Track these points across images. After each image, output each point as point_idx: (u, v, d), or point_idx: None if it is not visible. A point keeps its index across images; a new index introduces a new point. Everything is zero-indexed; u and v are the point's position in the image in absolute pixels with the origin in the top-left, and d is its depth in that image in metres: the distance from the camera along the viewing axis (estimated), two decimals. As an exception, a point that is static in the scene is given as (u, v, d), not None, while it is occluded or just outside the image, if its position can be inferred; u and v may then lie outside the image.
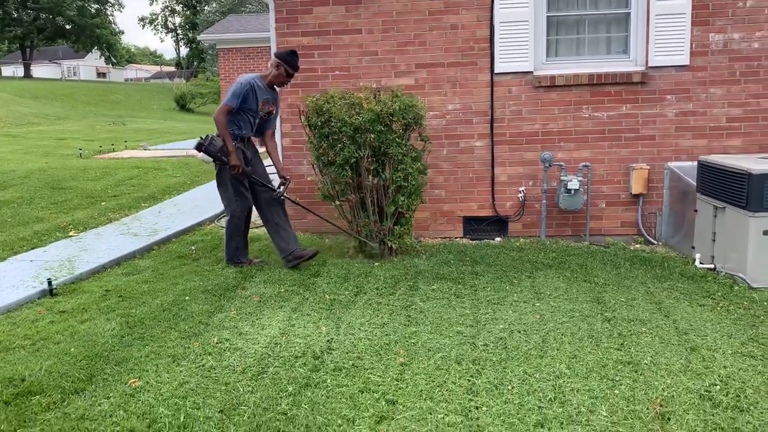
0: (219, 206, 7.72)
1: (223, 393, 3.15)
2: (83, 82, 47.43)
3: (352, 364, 3.46)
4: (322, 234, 6.61)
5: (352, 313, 4.22)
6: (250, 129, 5.36)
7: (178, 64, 72.82)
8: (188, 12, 62.81)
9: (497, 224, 6.63)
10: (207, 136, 5.18)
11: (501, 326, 4.01)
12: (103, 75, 63.78)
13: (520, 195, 6.49)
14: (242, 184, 5.31)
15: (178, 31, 69.22)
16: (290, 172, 6.69)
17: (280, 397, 3.09)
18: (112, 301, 4.53)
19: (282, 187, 5.46)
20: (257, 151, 5.60)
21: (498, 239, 6.55)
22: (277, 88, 5.53)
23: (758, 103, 6.11)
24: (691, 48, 6.09)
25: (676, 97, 6.18)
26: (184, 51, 69.81)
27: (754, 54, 6.05)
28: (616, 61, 6.34)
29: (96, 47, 55.35)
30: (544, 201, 6.38)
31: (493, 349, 3.67)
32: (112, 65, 63.65)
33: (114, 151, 14.91)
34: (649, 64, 6.16)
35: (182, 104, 37.15)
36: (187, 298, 4.57)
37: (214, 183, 9.72)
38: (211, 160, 5.13)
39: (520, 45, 6.26)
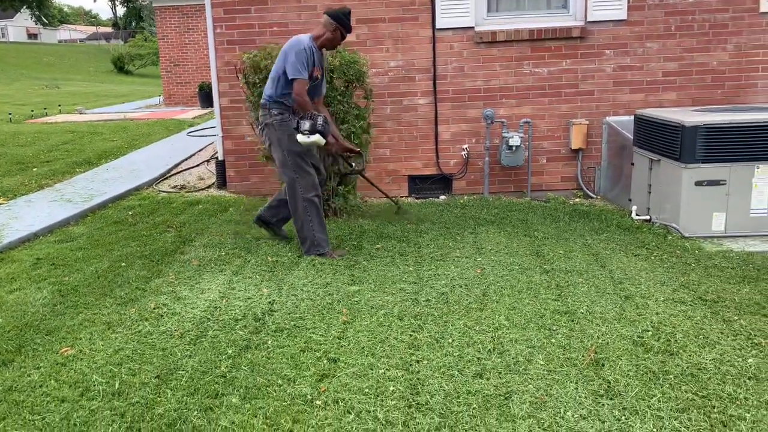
0: (157, 170, 7.52)
1: (160, 358, 3.08)
2: (12, 44, 45.00)
3: (294, 325, 3.43)
4: (263, 195, 6.50)
5: (294, 275, 4.18)
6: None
7: (115, 25, 69.77)
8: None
9: (442, 182, 6.65)
10: (312, 115, 4.27)
11: (443, 282, 4.04)
12: (34, 36, 60.65)
13: (463, 153, 6.50)
14: (306, 154, 4.51)
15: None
16: (230, 134, 6.53)
17: (219, 361, 3.05)
18: (43, 270, 4.36)
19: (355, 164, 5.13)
20: None
21: (443, 197, 6.57)
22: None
23: (692, 57, 6.23)
24: (629, 2, 6.14)
25: (614, 51, 6.25)
26: (121, 11, 66.87)
27: (689, 8, 6.14)
28: (556, 16, 6.35)
29: (25, 6, 52.37)
30: (486, 158, 6.41)
31: (435, 304, 3.70)
32: (43, 26, 60.50)
33: (47, 115, 14.26)
34: (588, 19, 6.19)
35: (120, 66, 35.73)
36: (123, 264, 4.43)
37: (153, 146, 9.52)
38: (324, 142, 4.34)
39: (460, 0, 6.18)
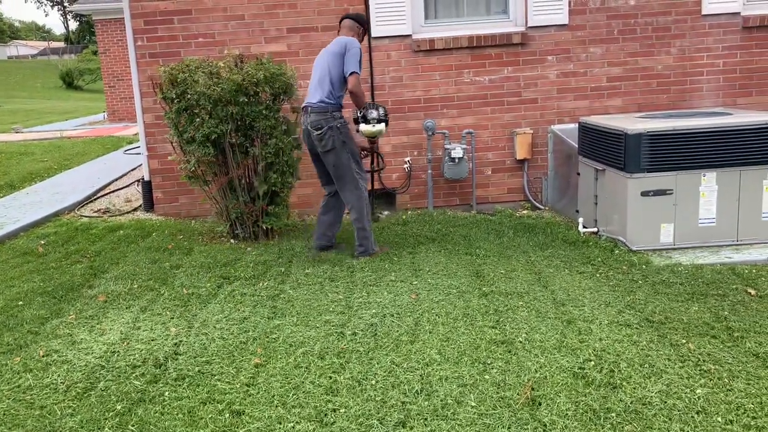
0: (83, 192, 7.04)
1: (36, 419, 2.67)
2: (-45, 61, 43.42)
3: (199, 371, 3.05)
4: (194, 217, 6.09)
5: (209, 309, 3.79)
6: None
7: (67, 39, 68.03)
8: (74, -18, 58.59)
9: (384, 197, 6.32)
10: (375, 105, 4.64)
11: (374, 310, 3.71)
12: (-19, 53, 58.68)
13: (406, 166, 6.20)
14: (359, 156, 4.83)
15: (65, 4, 64.46)
16: (155, 151, 6.11)
17: (104, 420, 2.65)
18: (-73, 313, 3.89)
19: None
20: None
21: (386, 213, 6.25)
22: None
23: (636, 61, 6.05)
24: (570, 6, 5.93)
25: (556, 57, 6.03)
26: (73, 25, 65.26)
27: (631, 11, 5.96)
28: (496, 22, 6.10)
29: (-30, 22, 50.68)
30: (429, 171, 6.12)
31: (362, 338, 3.36)
32: (-9, 42, 58.59)
33: (-21, 135, 13.54)
34: (529, 24, 5.96)
35: (69, 82, 34.63)
36: (20, 302, 3.99)
37: (84, 166, 8.98)
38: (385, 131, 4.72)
39: (396, 6, 5.90)
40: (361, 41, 4.75)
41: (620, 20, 5.97)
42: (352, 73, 4.47)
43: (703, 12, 5.94)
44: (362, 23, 4.79)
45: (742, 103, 6.11)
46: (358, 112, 4.59)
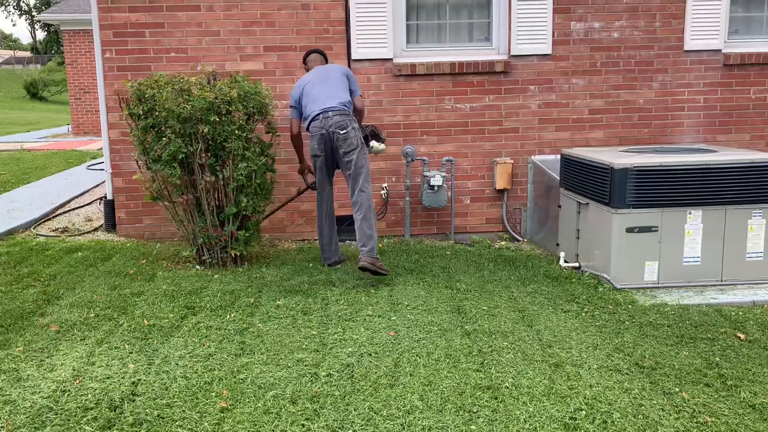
0: (40, 209, 6.68)
1: (-32, 473, 2.36)
2: None
3: (158, 415, 2.77)
4: (159, 240, 5.78)
5: (172, 343, 3.50)
6: None
7: (34, 49, 66.65)
8: (43, -9, 57.43)
9: (360, 223, 6.10)
10: (369, 127, 5.17)
11: (350, 349, 3.47)
12: (-57, 60, 57.04)
13: (383, 192, 6.00)
14: None
15: (33, 13, 63.21)
16: (120, 169, 5.81)
17: (48, 473, 2.35)
18: None
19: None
20: None
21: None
22: None
23: (618, 94, 5.99)
24: (554, 36, 5.86)
25: (539, 87, 5.93)
26: (41, 35, 63.93)
27: (614, 44, 5.91)
28: (478, 49, 5.99)
29: (-69, 28, 49.27)
30: (407, 198, 5.94)
31: (338, 380, 3.11)
32: (-48, 49, 57.04)
33: (-66, 144, 12.96)
34: (512, 53, 5.86)
35: (33, 92, 33.76)
36: (-38, 332, 3.64)
37: (44, 181, 8.56)
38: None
39: (378, 29, 5.75)
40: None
41: (603, 52, 5.92)
42: (360, 96, 5.03)
43: (686, 48, 5.92)
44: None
45: (721, 140, 6.09)
46: (370, 131, 5.08)
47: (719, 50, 5.96)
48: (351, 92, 4.94)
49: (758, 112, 6.10)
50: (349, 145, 4.70)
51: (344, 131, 4.70)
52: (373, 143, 5.03)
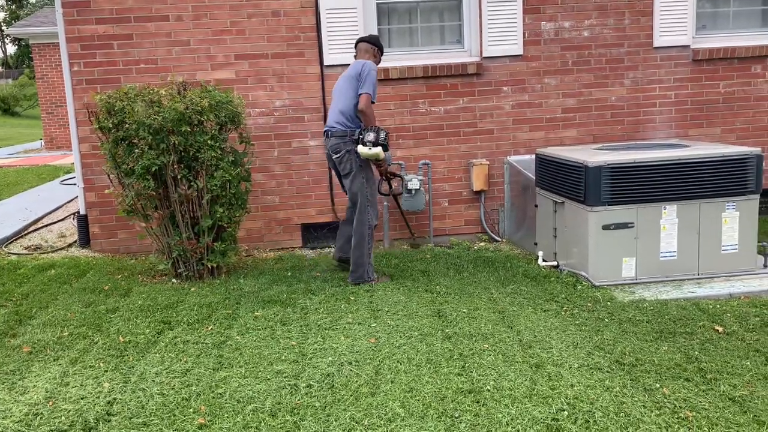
0: (12, 227, 6.56)
1: (-63, 504, 2.28)
2: None
3: (134, 434, 2.71)
4: (134, 254, 5.70)
5: (148, 360, 3.44)
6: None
7: (5, 64, 65.70)
8: (12, 5, 56.57)
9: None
10: (376, 128, 4.55)
11: (330, 358, 3.43)
12: None
13: (360, 197, 5.96)
14: (375, 183, 4.88)
15: (3, 27, 62.32)
16: (92, 183, 5.71)
17: (20, 501, 2.29)
18: None
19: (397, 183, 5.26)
20: None
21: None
22: None
23: (591, 92, 6.03)
24: (524, 37, 5.88)
25: (511, 88, 5.95)
26: (11, 49, 63.01)
27: (585, 42, 5.95)
28: (451, 52, 6.00)
29: None
30: (385, 203, 5.91)
31: (318, 391, 3.07)
32: None
33: None
34: (484, 55, 5.87)
35: (5, 108, 33.22)
36: (-70, 356, 3.54)
37: (15, 198, 8.37)
38: (383, 156, 4.65)
39: (349, 34, 5.72)
40: (377, 63, 4.85)
41: (574, 51, 5.95)
42: (362, 94, 4.53)
43: (655, 44, 5.97)
44: (376, 44, 4.85)
45: (693, 135, 6.15)
46: (358, 134, 4.58)
47: (688, 46, 6.03)
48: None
49: (728, 106, 6.18)
50: (344, 169, 4.69)
51: (337, 155, 4.67)
52: (359, 147, 4.59)
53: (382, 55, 4.95)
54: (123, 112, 4.49)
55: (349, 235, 4.90)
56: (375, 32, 5.86)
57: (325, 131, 4.79)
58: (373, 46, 4.83)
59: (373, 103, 4.60)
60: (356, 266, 4.71)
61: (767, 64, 6.14)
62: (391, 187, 5.18)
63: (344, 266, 5.00)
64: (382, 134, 4.54)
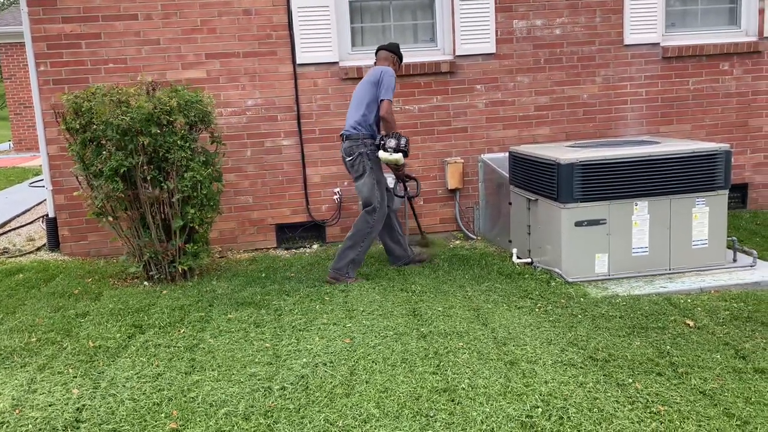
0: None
1: None
2: None
3: (103, 441, 2.66)
4: (104, 257, 5.61)
5: (118, 364, 3.38)
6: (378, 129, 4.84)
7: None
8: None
9: (314, 230, 6.05)
10: (397, 134, 4.65)
11: (304, 359, 3.40)
12: None
13: (335, 196, 5.95)
14: (385, 187, 4.91)
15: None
16: (61, 186, 5.61)
17: None
18: None
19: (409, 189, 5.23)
20: None
21: (315, 246, 5.96)
22: None
23: (563, 90, 6.07)
24: (497, 35, 5.90)
25: (485, 86, 5.97)
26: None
27: (557, 41, 5.99)
28: (424, 51, 5.99)
29: None
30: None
31: (292, 393, 3.05)
32: None
33: None
34: (457, 53, 5.88)
35: (-27, 109, 32.54)
36: None
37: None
38: (403, 162, 4.76)
39: (322, 33, 5.69)
40: (397, 70, 4.89)
41: (546, 49, 5.99)
42: (383, 100, 4.61)
43: (625, 42, 6.04)
44: (395, 52, 4.93)
45: (664, 131, 6.23)
46: (380, 140, 4.67)
47: (658, 43, 6.10)
48: (377, 98, 4.67)
49: (697, 103, 6.27)
50: (356, 171, 4.76)
51: (350, 158, 4.76)
52: (379, 153, 4.66)
53: (401, 62, 5.02)
54: (90, 112, 4.40)
55: (396, 240, 5.06)
56: (348, 30, 5.84)
57: (341, 135, 4.88)
58: (392, 54, 4.91)
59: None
60: (340, 257, 4.72)
61: (735, 61, 6.24)
62: (406, 189, 5.21)
63: (399, 263, 5.12)
64: (403, 141, 4.64)
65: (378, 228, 4.81)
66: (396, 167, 4.84)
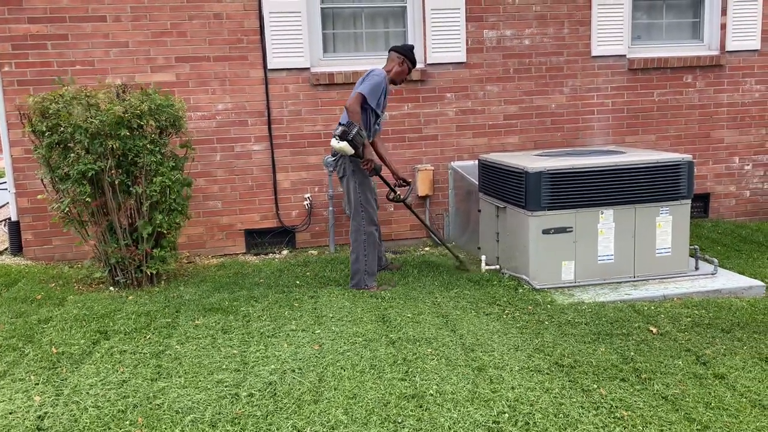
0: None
1: None
2: None
3: (65, 450, 2.61)
4: (69, 261, 5.51)
5: (82, 371, 3.32)
6: (368, 131, 4.67)
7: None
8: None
9: (284, 236, 6.03)
10: (349, 123, 4.42)
11: (272, 366, 3.38)
12: None
13: (306, 202, 5.94)
14: (370, 189, 4.74)
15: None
16: (24, 189, 5.50)
17: None
18: None
19: (405, 191, 5.12)
20: None
21: (285, 252, 5.94)
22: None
23: (531, 100, 6.16)
24: (467, 44, 5.97)
25: (455, 95, 6.03)
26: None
27: (526, 51, 6.08)
28: (395, 58, 6.02)
29: None
30: (330, 208, 5.89)
31: (260, 400, 3.03)
32: None
33: None
34: (428, 61, 5.93)
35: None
36: None
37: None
38: (353, 152, 4.45)
39: (293, 39, 5.69)
40: (408, 72, 4.79)
41: (516, 59, 6.07)
42: (356, 92, 4.49)
43: (593, 53, 6.16)
44: (405, 54, 4.74)
45: (629, 141, 6.36)
46: (335, 128, 4.54)
47: (624, 55, 6.24)
48: None
49: (662, 114, 6.42)
50: (338, 172, 4.75)
51: (333, 158, 4.78)
52: (332, 140, 4.50)
53: (413, 67, 4.81)
54: (58, 115, 4.33)
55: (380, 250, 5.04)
56: (319, 36, 5.85)
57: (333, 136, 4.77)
58: (401, 55, 4.73)
59: (373, 108, 4.57)
60: (353, 272, 4.73)
61: (697, 74, 6.41)
62: (395, 193, 5.09)
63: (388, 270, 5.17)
64: (354, 130, 4.40)
65: (371, 230, 4.70)
66: (364, 164, 4.59)
